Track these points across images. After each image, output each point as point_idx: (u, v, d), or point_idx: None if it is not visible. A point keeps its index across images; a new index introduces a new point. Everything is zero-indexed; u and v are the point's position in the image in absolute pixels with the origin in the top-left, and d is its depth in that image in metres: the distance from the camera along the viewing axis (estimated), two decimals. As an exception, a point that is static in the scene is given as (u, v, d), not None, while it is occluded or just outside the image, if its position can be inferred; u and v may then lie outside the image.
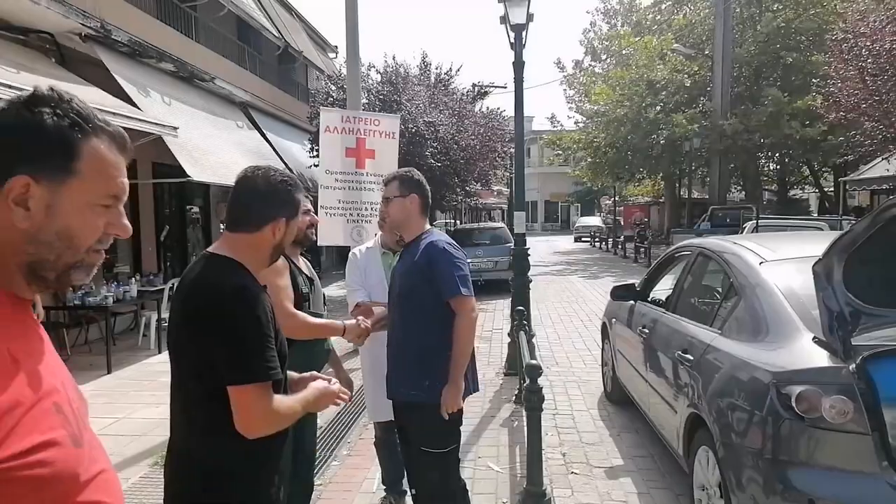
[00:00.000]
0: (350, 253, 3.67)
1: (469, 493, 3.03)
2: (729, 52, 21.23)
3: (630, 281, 5.62)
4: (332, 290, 12.60)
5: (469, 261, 2.90)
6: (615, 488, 3.94)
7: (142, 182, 10.23)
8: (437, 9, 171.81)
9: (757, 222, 13.17)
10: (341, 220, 7.10)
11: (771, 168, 27.27)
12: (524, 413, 3.97)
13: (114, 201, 1.01)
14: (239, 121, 12.95)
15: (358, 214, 7.11)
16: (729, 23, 21.57)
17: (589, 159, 28.00)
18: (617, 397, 5.48)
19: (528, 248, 7.23)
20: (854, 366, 2.37)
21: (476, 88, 19.17)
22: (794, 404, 2.43)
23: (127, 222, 1.03)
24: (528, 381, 3.42)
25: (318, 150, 10.31)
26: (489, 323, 9.97)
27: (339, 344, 2.96)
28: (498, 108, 19.78)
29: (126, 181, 1.02)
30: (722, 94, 21.17)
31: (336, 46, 20.99)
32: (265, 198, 1.75)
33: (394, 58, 15.54)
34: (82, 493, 0.89)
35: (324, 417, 4.72)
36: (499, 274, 13.20)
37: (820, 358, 2.55)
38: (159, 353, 7.92)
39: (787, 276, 3.14)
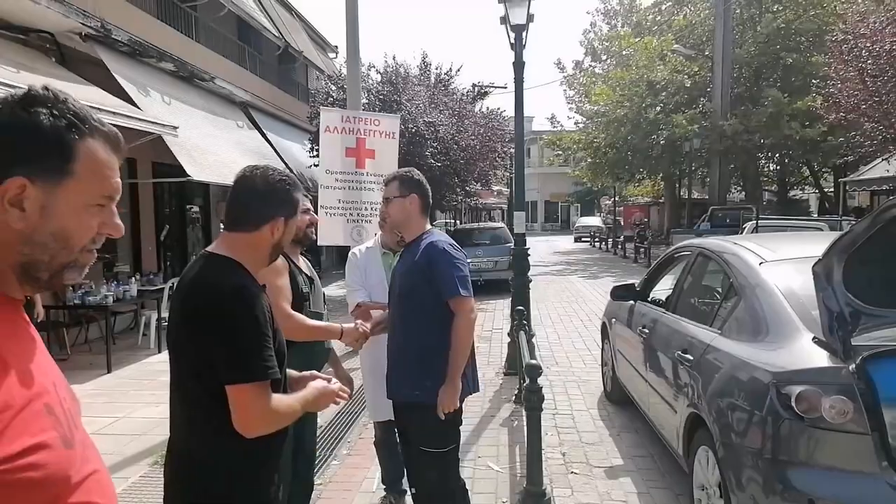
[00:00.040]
0: (349, 253, 3.66)
1: (469, 493, 3.03)
2: (729, 53, 21.24)
3: (630, 281, 5.62)
4: (332, 290, 12.61)
5: (469, 261, 2.90)
6: (615, 488, 3.94)
7: (142, 181, 10.24)
8: (438, 9, 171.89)
9: (757, 223, 13.18)
10: (341, 220, 7.10)
11: (771, 168, 27.28)
12: (524, 413, 3.97)
13: (107, 201, 1.01)
14: (239, 120, 12.95)
15: (358, 214, 7.11)
16: (729, 24, 21.57)
17: (589, 159, 28.01)
18: (617, 397, 5.48)
19: (528, 248, 7.23)
20: (854, 366, 2.37)
21: (476, 88, 19.18)
22: (793, 404, 2.43)
23: (119, 221, 1.03)
24: (527, 380, 3.42)
25: (318, 150, 10.31)
26: (489, 323, 9.98)
27: (338, 343, 2.95)
28: (498, 109, 19.80)
29: (119, 181, 1.02)
30: (722, 94, 21.17)
31: (336, 46, 21.00)
32: (263, 197, 1.75)
33: (394, 58, 15.57)
34: (73, 494, 0.88)
35: (324, 417, 4.72)
36: (499, 274, 13.20)
37: (820, 358, 2.55)
38: (159, 352, 7.93)
39: (787, 276, 3.14)
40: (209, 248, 1.76)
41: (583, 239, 34.28)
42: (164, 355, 1.78)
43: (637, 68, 23.63)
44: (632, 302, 5.07)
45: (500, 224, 18.97)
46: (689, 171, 24.95)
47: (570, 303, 12.17)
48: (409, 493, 3.32)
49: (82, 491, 0.90)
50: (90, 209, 0.98)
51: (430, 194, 2.91)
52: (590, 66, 31.32)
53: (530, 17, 7.07)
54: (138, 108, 8.21)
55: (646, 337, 4.39)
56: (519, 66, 7.17)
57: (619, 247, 25.23)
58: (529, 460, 3.41)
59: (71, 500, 0.88)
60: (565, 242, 34.61)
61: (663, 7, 28.06)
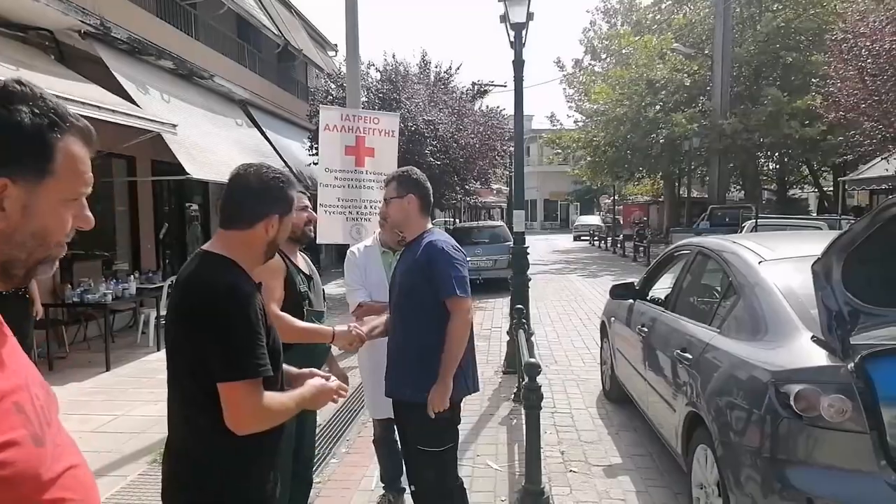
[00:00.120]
0: (348, 251, 3.65)
1: (467, 492, 3.03)
2: (729, 52, 21.23)
3: (629, 280, 5.62)
4: (332, 289, 12.60)
5: (468, 259, 2.89)
6: (613, 487, 3.94)
7: (141, 179, 10.24)
8: (437, 7, 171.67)
9: (756, 221, 13.17)
10: (340, 218, 7.09)
11: (770, 167, 27.28)
12: (523, 411, 3.97)
13: (81, 195, 1.01)
14: (238, 119, 12.93)
15: (357, 212, 7.10)
16: (729, 22, 21.56)
17: (588, 158, 27.99)
18: (615, 396, 5.49)
19: (528, 247, 7.23)
20: (853, 365, 2.38)
21: (476, 87, 19.13)
22: (792, 403, 2.43)
23: (89, 213, 1.03)
24: (526, 379, 3.43)
25: (317, 148, 10.30)
26: (488, 321, 9.98)
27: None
28: (497, 107, 19.80)
29: (91, 174, 1.02)
30: (721, 93, 21.16)
31: (336, 44, 20.97)
32: (258, 195, 1.75)
33: (393, 56, 15.54)
34: (47, 491, 0.87)
35: (323, 415, 4.72)
36: (498, 272, 13.20)
37: (819, 357, 2.55)
38: (158, 350, 7.93)
39: (786, 275, 3.14)
40: (205, 247, 1.77)
41: (582, 238, 34.30)
42: (163, 353, 1.77)
43: (637, 67, 23.62)
44: (631, 301, 5.07)
45: (500, 223, 18.97)
46: (688, 169, 24.95)
47: (569, 301, 12.18)
48: (407, 491, 3.32)
49: (57, 487, 0.89)
50: (66, 204, 0.98)
51: (430, 193, 2.90)
52: (589, 64, 31.33)
53: (530, 16, 7.06)
54: (137, 105, 8.19)
55: (645, 336, 4.39)
56: (518, 64, 7.16)
57: (619, 245, 25.26)
58: (528, 459, 3.41)
59: (44, 497, 0.87)
60: (564, 241, 34.62)
61: (663, 6, 28.03)
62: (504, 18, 7.24)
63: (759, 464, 2.56)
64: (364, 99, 12.70)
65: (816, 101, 16.20)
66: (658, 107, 23.51)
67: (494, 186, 31.86)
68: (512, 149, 15.82)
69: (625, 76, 23.75)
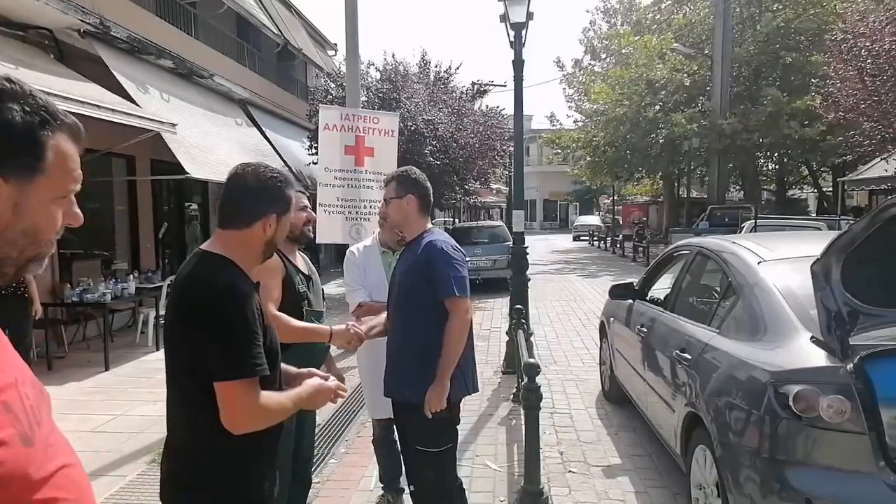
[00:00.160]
0: (347, 251, 3.65)
1: (466, 492, 3.03)
2: (728, 52, 21.23)
3: (628, 280, 5.62)
4: (331, 289, 12.60)
5: (468, 259, 2.89)
6: (612, 487, 3.95)
7: (140, 179, 10.23)
8: (437, 6, 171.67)
9: (755, 222, 13.17)
10: (340, 218, 7.09)
11: (770, 168, 27.29)
12: (522, 412, 3.98)
13: (70, 192, 1.01)
14: (238, 118, 12.92)
15: (357, 212, 7.10)
16: (728, 22, 21.57)
17: (588, 158, 27.98)
18: (615, 396, 5.49)
19: (527, 247, 7.23)
20: (852, 365, 2.38)
21: (475, 87, 19.12)
22: (791, 404, 2.43)
23: (78, 210, 1.03)
24: (526, 379, 3.43)
25: (316, 148, 10.29)
26: (487, 321, 9.98)
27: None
28: (497, 107, 19.78)
29: (80, 171, 1.02)
30: (721, 93, 21.17)
31: (335, 44, 20.96)
32: (255, 194, 1.76)
33: (393, 56, 15.53)
34: (38, 491, 0.86)
35: (322, 415, 4.72)
36: (497, 272, 13.20)
37: (818, 357, 2.55)
38: (157, 350, 7.93)
39: (786, 275, 3.14)
40: (203, 246, 1.77)
41: (581, 238, 34.30)
42: (162, 353, 1.78)
43: (636, 67, 23.61)
44: (630, 301, 5.07)
45: (499, 222, 18.97)
46: (687, 170, 24.95)
47: (568, 301, 12.18)
48: (406, 491, 3.32)
49: (49, 487, 0.88)
50: (57, 202, 0.98)
51: (430, 193, 2.89)
52: (589, 64, 31.32)
53: (530, 16, 7.06)
54: (137, 105, 8.19)
55: (644, 336, 4.39)
56: (518, 64, 7.16)
57: (618, 246, 25.26)
58: (527, 459, 3.41)
59: (35, 497, 0.86)
60: (564, 241, 34.64)
61: (663, 6, 28.02)
62: (504, 18, 7.24)
63: (758, 464, 2.56)
64: (364, 98, 12.70)
65: (816, 101, 16.21)
66: (658, 107, 23.51)
67: (494, 186, 31.86)
68: (511, 148, 15.83)
69: (624, 76, 23.75)
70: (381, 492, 3.71)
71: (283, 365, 1.92)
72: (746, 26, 23.42)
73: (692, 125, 20.91)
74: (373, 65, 15.42)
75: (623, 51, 26.69)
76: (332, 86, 15.01)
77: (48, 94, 5.08)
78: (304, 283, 2.87)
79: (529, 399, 3.35)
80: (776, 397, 2.50)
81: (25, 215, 0.93)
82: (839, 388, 2.37)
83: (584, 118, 29.44)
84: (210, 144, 9.90)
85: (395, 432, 3.17)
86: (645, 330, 4.40)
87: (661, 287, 4.89)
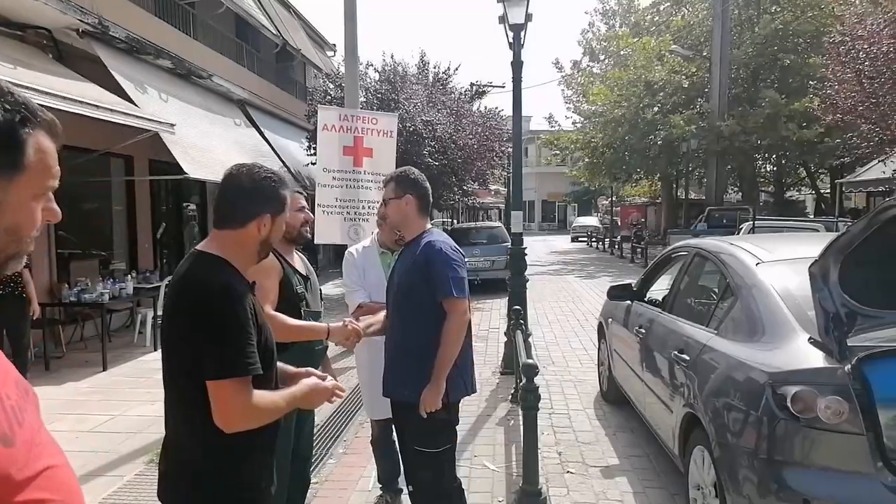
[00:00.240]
0: (346, 252, 3.64)
1: (465, 492, 3.03)
2: (727, 54, 21.27)
3: (627, 281, 5.63)
4: (329, 289, 12.59)
5: (466, 260, 2.90)
6: (611, 487, 3.95)
7: (138, 179, 10.22)
8: (436, 7, 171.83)
9: (753, 223, 13.19)
10: (338, 219, 7.09)
11: (768, 169, 27.33)
12: (520, 412, 3.98)
13: (50, 189, 1.01)
14: (236, 118, 12.92)
15: (355, 213, 7.10)
16: (727, 24, 21.61)
17: (586, 159, 28.00)
18: (613, 397, 5.49)
19: (525, 248, 7.24)
20: (849, 366, 2.38)
21: (474, 88, 19.12)
22: (789, 404, 2.43)
23: (56, 207, 1.03)
24: (524, 380, 3.43)
25: (315, 148, 10.29)
26: (486, 322, 9.98)
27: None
28: (496, 108, 19.74)
29: (59, 168, 1.02)
30: (719, 95, 21.21)
31: (334, 45, 20.96)
32: (249, 194, 1.77)
33: (392, 56, 15.53)
34: (21, 492, 0.85)
35: (320, 415, 4.72)
36: (496, 273, 13.21)
37: (816, 358, 2.56)
38: (155, 350, 7.91)
39: (784, 276, 3.15)
40: (199, 246, 1.79)
41: (580, 239, 34.33)
42: (160, 353, 1.78)
43: (635, 68, 23.64)
44: (628, 302, 5.08)
45: (498, 223, 18.97)
46: (686, 171, 24.99)
47: (566, 302, 12.18)
48: (405, 491, 3.32)
49: (33, 488, 0.87)
50: (37, 199, 0.98)
51: (429, 193, 2.89)
52: (588, 65, 31.31)
53: (529, 17, 7.07)
54: (135, 105, 8.18)
55: (642, 337, 4.40)
56: (517, 65, 7.17)
57: (616, 247, 25.27)
58: (525, 460, 3.42)
59: (18, 499, 0.85)
60: (562, 242, 34.66)
61: (661, 7, 28.07)
62: (503, 19, 7.25)
63: (756, 465, 2.56)
64: (362, 99, 12.69)
65: (814, 103, 16.23)
66: (656, 108, 23.53)
67: (492, 187, 31.88)
68: (510, 149, 15.83)
69: (623, 77, 23.78)
70: (380, 492, 3.71)
71: (280, 364, 1.93)
72: (745, 28, 23.46)
73: (690, 127, 20.95)
74: (371, 65, 15.43)
75: (621, 52, 26.73)
76: (331, 86, 15.01)
77: (47, 93, 5.03)
78: (302, 283, 2.87)
79: (528, 400, 3.35)
80: (774, 398, 2.50)
81: (6, 213, 0.93)
82: (837, 389, 2.38)
83: (582, 119, 29.46)
84: (208, 145, 9.90)
85: (394, 433, 3.17)
86: (643, 331, 4.41)
87: (660, 288, 4.89)
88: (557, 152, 31.11)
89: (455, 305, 2.64)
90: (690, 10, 26.03)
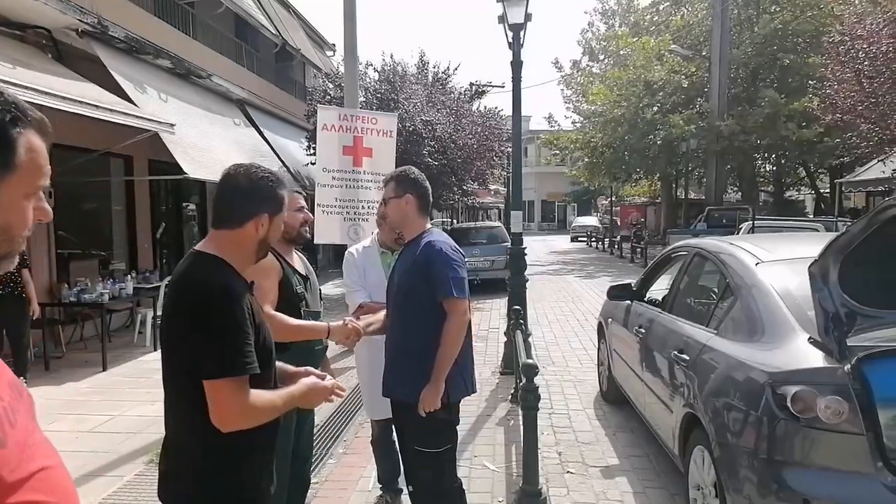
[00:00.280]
0: (346, 252, 3.64)
1: (465, 493, 3.03)
2: (726, 54, 21.28)
3: (626, 281, 5.63)
4: (329, 289, 12.59)
5: (466, 260, 2.90)
6: (611, 487, 3.95)
7: (138, 179, 10.22)
8: (436, 7, 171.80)
9: (753, 223, 13.19)
10: (338, 219, 7.09)
11: (767, 169, 27.34)
12: (520, 412, 3.98)
13: (41, 188, 1.01)
14: (236, 118, 12.91)
15: (355, 213, 7.10)
16: (726, 24, 21.61)
17: (586, 159, 28.00)
18: (613, 397, 5.49)
19: (525, 248, 7.23)
20: (849, 366, 2.38)
21: (474, 88, 19.13)
22: (789, 404, 2.43)
23: (47, 206, 1.03)
24: (524, 380, 3.43)
25: (315, 148, 10.29)
26: (485, 322, 9.98)
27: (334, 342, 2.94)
28: (495, 108, 19.74)
29: (49, 167, 1.02)
30: (719, 95, 21.21)
31: (334, 44, 20.96)
32: (247, 194, 1.77)
33: (391, 56, 15.53)
34: (13, 494, 0.85)
35: (320, 415, 4.72)
36: (495, 273, 13.21)
37: (815, 358, 2.56)
38: (155, 350, 7.90)
39: (783, 276, 3.15)
40: (197, 247, 1.79)
41: (579, 238, 34.34)
42: (160, 353, 1.79)
43: (634, 68, 23.64)
44: (628, 302, 5.08)
45: (497, 223, 18.97)
46: (685, 171, 24.99)
47: (566, 302, 12.18)
48: (405, 491, 3.32)
49: (25, 490, 0.87)
50: (28, 198, 0.98)
51: (429, 192, 2.89)
52: (587, 65, 31.32)
53: (528, 17, 7.07)
54: (135, 105, 8.18)
55: (642, 337, 4.40)
56: (516, 65, 7.17)
57: (616, 247, 25.27)
58: (525, 460, 3.42)
59: (9, 501, 0.84)
60: (562, 242, 34.66)
61: (661, 7, 28.07)
62: (502, 19, 7.24)
63: (756, 465, 2.56)
64: (362, 99, 12.69)
65: (813, 103, 16.24)
66: (656, 108, 23.54)
67: (492, 187, 31.88)
68: (510, 149, 15.81)
69: (622, 77, 23.78)
70: (380, 492, 3.71)
71: (280, 364, 1.93)
72: (744, 28, 23.47)
73: (690, 126, 20.95)
74: (371, 65, 15.43)
75: (621, 52, 26.73)
76: (331, 86, 15.01)
77: (47, 93, 5.02)
78: (302, 283, 2.87)
79: (528, 400, 3.35)
80: (774, 398, 2.50)
81: None
82: (837, 388, 2.38)
83: (582, 119, 29.48)
84: (208, 144, 9.90)
85: (394, 433, 3.17)
86: (643, 331, 4.41)
87: (659, 288, 4.89)
88: (557, 152, 31.10)
89: (455, 306, 2.63)
90: (690, 9, 26.03)
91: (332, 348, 3.13)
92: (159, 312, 7.82)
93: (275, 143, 13.69)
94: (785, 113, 19.13)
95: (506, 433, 4.94)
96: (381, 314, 2.93)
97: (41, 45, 8.15)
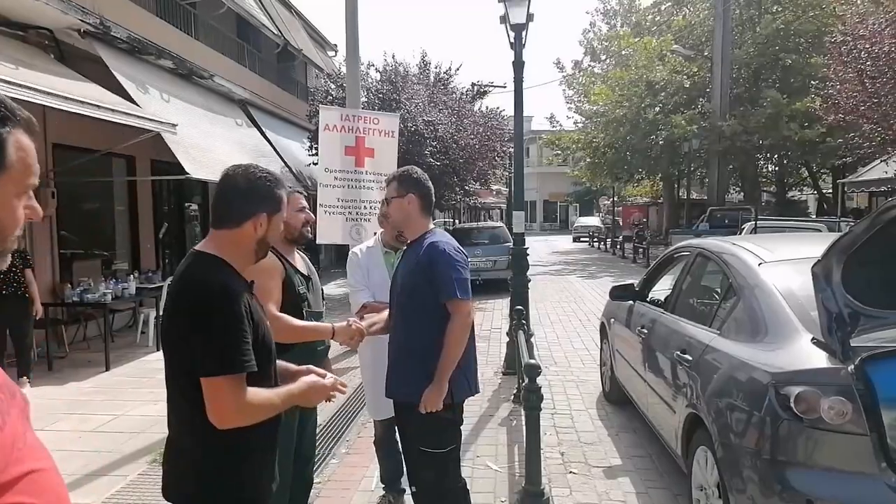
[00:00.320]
0: (350, 252, 3.65)
1: (469, 493, 3.03)
2: (728, 54, 21.25)
3: (629, 281, 5.62)
4: (331, 289, 12.61)
5: (468, 260, 2.89)
6: (613, 488, 3.95)
7: (140, 179, 10.23)
8: (437, 7, 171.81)
9: (755, 223, 13.19)
10: (340, 219, 7.10)
11: (769, 169, 27.31)
12: (523, 412, 3.97)
13: (31, 187, 1.01)
14: (238, 118, 12.92)
15: (357, 213, 7.11)
16: (728, 24, 21.59)
17: (588, 159, 28.01)
18: (615, 397, 5.49)
19: (527, 248, 7.23)
20: (853, 367, 2.38)
21: (475, 88, 19.12)
22: (792, 405, 2.43)
23: (37, 204, 1.03)
24: (526, 380, 3.43)
25: (317, 149, 10.29)
26: (488, 322, 9.98)
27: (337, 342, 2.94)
28: (497, 108, 19.78)
29: (38, 165, 1.02)
30: (721, 95, 21.19)
31: (335, 45, 20.96)
32: (245, 194, 1.79)
33: (393, 56, 15.54)
34: (1, 496, 0.85)
35: (323, 415, 4.72)
36: (497, 273, 13.21)
37: (819, 359, 2.56)
38: (158, 350, 7.91)
39: (786, 277, 3.14)
40: (197, 247, 1.81)
41: (581, 239, 34.32)
42: (162, 353, 1.80)
43: (636, 68, 23.63)
44: (630, 302, 5.07)
45: (499, 223, 18.97)
46: (687, 171, 24.98)
47: (568, 302, 12.18)
48: (407, 491, 3.32)
49: (14, 493, 0.86)
50: (19, 197, 0.98)
51: (432, 192, 2.88)
52: (589, 65, 31.31)
53: (530, 17, 7.06)
54: (137, 105, 8.19)
55: (644, 337, 4.39)
56: (518, 65, 7.16)
57: (618, 247, 25.26)
58: (528, 460, 3.41)
59: None
60: (564, 242, 34.64)
61: (663, 7, 28.06)
62: (504, 19, 7.24)
63: (759, 465, 2.56)
64: (364, 99, 12.70)
65: (816, 103, 16.22)
66: (657, 108, 23.53)
67: (494, 187, 31.88)
68: (511, 150, 15.84)
69: (624, 77, 23.77)
70: (383, 492, 3.71)
71: (281, 362, 1.93)
72: (746, 28, 23.44)
73: (692, 127, 20.94)
74: (373, 66, 15.44)
75: (623, 52, 26.71)
76: (333, 86, 15.02)
77: (49, 94, 5.01)
78: (304, 283, 2.88)
79: (530, 400, 3.35)
80: (777, 398, 2.50)
81: None
82: (840, 389, 2.37)
83: (584, 119, 29.47)
84: (210, 145, 9.91)
85: (397, 433, 3.17)
86: (645, 331, 4.40)
87: (662, 288, 4.89)
88: (559, 152, 31.12)
89: (459, 307, 2.63)
90: (692, 9, 26.02)
91: (335, 348, 3.13)
92: (162, 312, 7.84)
93: (277, 144, 13.70)
94: (787, 113, 19.11)
95: (508, 433, 4.94)
96: (385, 314, 2.93)
97: (43, 45, 8.16)
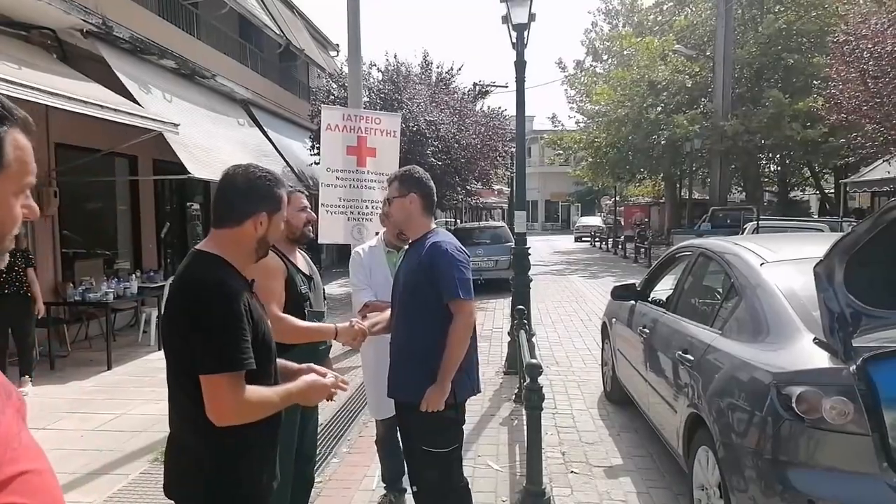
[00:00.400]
0: (353, 252, 3.66)
1: (471, 492, 3.03)
2: (730, 54, 21.23)
3: (630, 281, 5.62)
4: (333, 289, 12.61)
5: (470, 260, 2.89)
6: (614, 487, 3.95)
7: (142, 179, 10.25)
8: (439, 7, 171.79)
9: (757, 223, 13.18)
10: (342, 218, 7.11)
11: (772, 169, 27.28)
12: (524, 412, 3.97)
13: (28, 186, 1.01)
14: (240, 118, 12.94)
15: (359, 212, 7.12)
16: (730, 24, 21.56)
17: (590, 159, 28.01)
18: (616, 397, 5.49)
19: (529, 248, 7.23)
20: (854, 367, 2.37)
21: (477, 87, 19.15)
22: (794, 405, 2.43)
23: (34, 203, 1.03)
24: (528, 380, 3.43)
25: (319, 148, 10.30)
26: (489, 322, 9.98)
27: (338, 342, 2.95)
28: (499, 108, 19.76)
29: (35, 164, 1.02)
30: (723, 95, 21.17)
31: (338, 45, 20.98)
32: (245, 193, 1.80)
33: (395, 56, 15.56)
34: None
35: (324, 414, 4.73)
36: (499, 273, 13.21)
37: (820, 359, 2.55)
38: (159, 349, 7.92)
39: (788, 277, 3.14)
40: (197, 246, 1.83)
41: (583, 239, 34.29)
42: (163, 352, 1.81)
43: (638, 68, 23.62)
44: (632, 302, 5.07)
45: (501, 223, 18.96)
46: (689, 171, 24.95)
47: (570, 302, 12.18)
48: (409, 491, 3.32)
49: (7, 493, 0.85)
50: (16, 196, 0.98)
51: (433, 192, 2.88)
52: (591, 65, 31.33)
53: (532, 17, 7.06)
54: (139, 105, 8.20)
55: (646, 337, 4.39)
56: (520, 65, 7.16)
57: (620, 247, 25.24)
58: (529, 459, 3.42)
59: None
60: (566, 242, 34.61)
61: (664, 7, 28.06)
62: (506, 19, 7.23)
63: (760, 465, 2.56)
64: (366, 99, 12.70)
65: (818, 103, 16.20)
66: (659, 108, 23.52)
67: (496, 187, 31.85)
68: (513, 149, 15.80)
69: (626, 77, 23.76)
70: (384, 492, 3.71)
71: (282, 361, 1.94)
72: (748, 28, 23.43)
73: (694, 126, 20.92)
74: (375, 65, 15.45)
75: (625, 52, 26.71)
76: (334, 86, 15.03)
77: (52, 93, 5.02)
78: (306, 283, 2.88)
79: (531, 399, 3.35)
80: (779, 398, 2.50)
81: None
82: (842, 389, 2.37)
83: (585, 119, 29.47)
84: (212, 144, 9.92)
85: (398, 432, 3.17)
86: (647, 331, 4.40)
87: (664, 288, 4.88)
88: (561, 152, 31.08)
89: (461, 307, 2.63)
90: (694, 9, 26.00)
91: (336, 347, 3.14)
92: (163, 311, 7.86)
93: (279, 143, 13.72)
94: (789, 113, 19.09)
95: (509, 433, 4.94)
96: (387, 313, 2.93)
97: (46, 45, 8.18)
